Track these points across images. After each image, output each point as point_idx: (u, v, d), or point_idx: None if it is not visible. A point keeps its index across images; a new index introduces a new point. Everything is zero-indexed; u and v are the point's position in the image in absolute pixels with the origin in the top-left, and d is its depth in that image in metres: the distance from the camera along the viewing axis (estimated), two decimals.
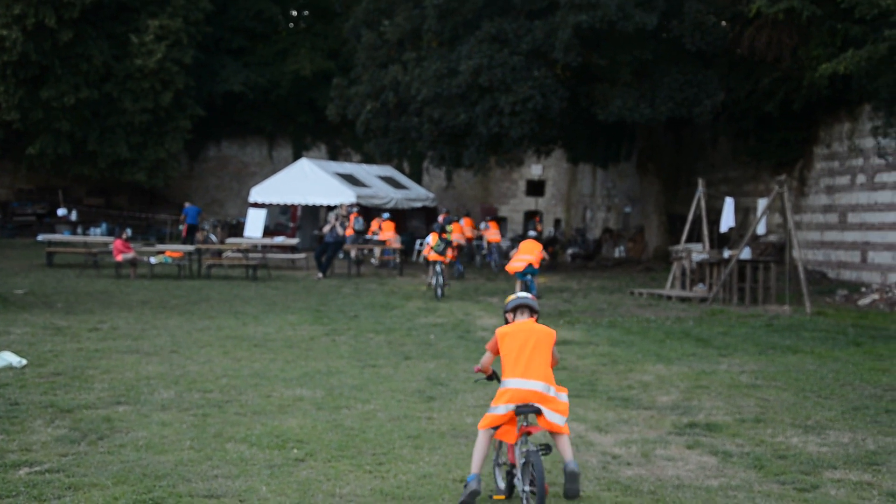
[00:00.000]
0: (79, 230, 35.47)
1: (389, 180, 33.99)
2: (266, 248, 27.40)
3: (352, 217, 26.65)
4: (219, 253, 25.86)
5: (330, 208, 30.31)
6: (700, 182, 21.21)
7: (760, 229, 21.18)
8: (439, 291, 19.33)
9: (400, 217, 32.11)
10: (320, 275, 23.70)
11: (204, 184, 42.16)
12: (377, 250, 27.96)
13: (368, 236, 28.64)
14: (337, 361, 11.46)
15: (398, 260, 26.68)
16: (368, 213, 30.32)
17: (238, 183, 41.67)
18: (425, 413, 8.73)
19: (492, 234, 29.60)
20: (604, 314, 17.10)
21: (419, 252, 30.21)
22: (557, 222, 41.87)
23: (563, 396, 6.13)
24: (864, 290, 20.85)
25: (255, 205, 30.65)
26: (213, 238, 31.46)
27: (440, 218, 28.69)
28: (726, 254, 19.80)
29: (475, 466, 6.02)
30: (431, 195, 35.44)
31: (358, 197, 29.32)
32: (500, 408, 6.00)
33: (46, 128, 34.65)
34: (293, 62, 39.68)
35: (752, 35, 23.18)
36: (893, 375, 11.13)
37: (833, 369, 11.45)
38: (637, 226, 33.94)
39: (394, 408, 8.91)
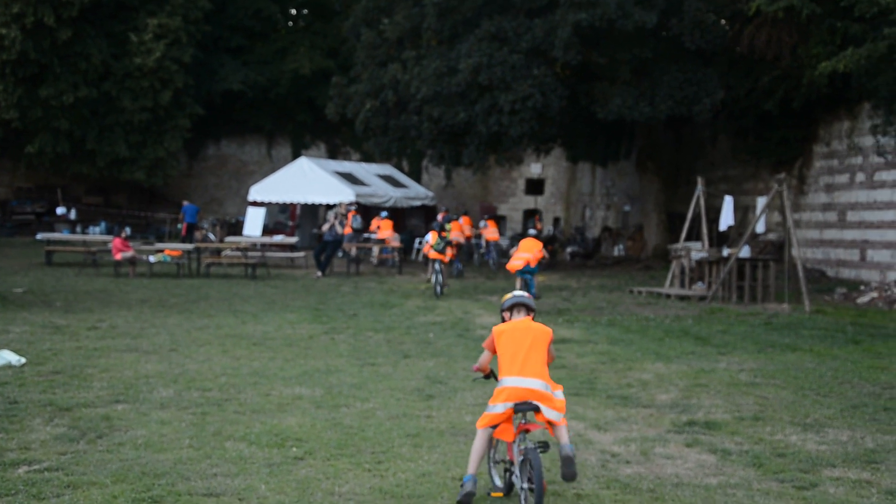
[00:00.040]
0: (78, 229, 35.49)
1: (389, 179, 33.97)
2: (265, 247, 27.40)
3: (349, 215, 26.65)
4: (218, 252, 25.87)
5: (329, 207, 30.30)
6: (699, 180, 21.19)
7: (760, 228, 21.21)
8: (438, 290, 19.34)
9: (399, 216, 32.10)
10: (319, 273, 23.69)
11: (203, 182, 42.14)
12: (376, 249, 27.97)
13: (370, 232, 28.63)
14: (336, 360, 11.45)
15: (397, 258, 26.67)
16: (368, 211, 30.30)
17: (237, 182, 41.64)
18: (424, 411, 8.73)
19: (490, 232, 29.60)
20: (603, 312, 17.10)
21: (419, 251, 30.21)
22: (557, 221, 41.85)
23: (559, 394, 6.16)
24: (863, 288, 20.84)
25: (255, 203, 30.63)
26: (212, 237, 31.48)
27: (439, 216, 28.70)
28: (725, 252, 19.80)
29: (472, 467, 6.03)
30: (431, 194, 35.42)
31: (357, 195, 29.30)
32: (499, 406, 6.00)
33: (45, 126, 34.65)
34: (292, 61, 39.66)
35: (752, 33, 23.18)
36: (892, 373, 11.13)
37: (832, 367, 11.45)
38: (636, 224, 33.93)
39: (393, 406, 8.91)
